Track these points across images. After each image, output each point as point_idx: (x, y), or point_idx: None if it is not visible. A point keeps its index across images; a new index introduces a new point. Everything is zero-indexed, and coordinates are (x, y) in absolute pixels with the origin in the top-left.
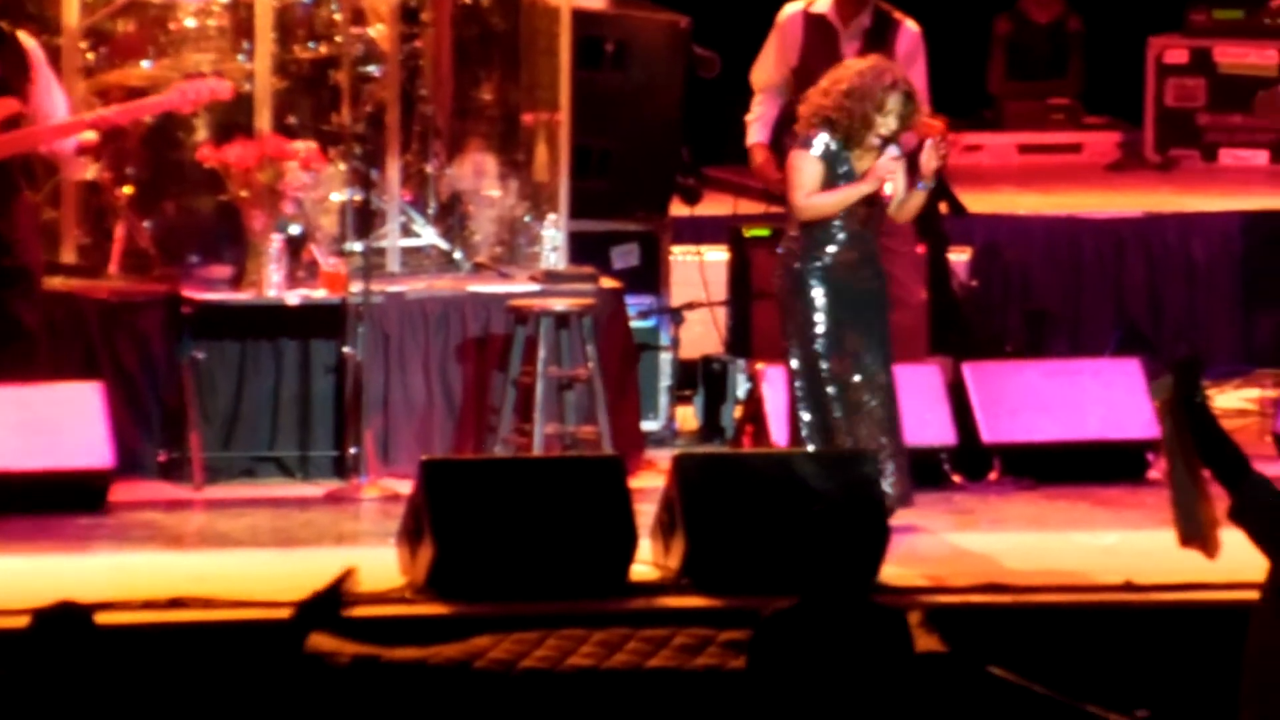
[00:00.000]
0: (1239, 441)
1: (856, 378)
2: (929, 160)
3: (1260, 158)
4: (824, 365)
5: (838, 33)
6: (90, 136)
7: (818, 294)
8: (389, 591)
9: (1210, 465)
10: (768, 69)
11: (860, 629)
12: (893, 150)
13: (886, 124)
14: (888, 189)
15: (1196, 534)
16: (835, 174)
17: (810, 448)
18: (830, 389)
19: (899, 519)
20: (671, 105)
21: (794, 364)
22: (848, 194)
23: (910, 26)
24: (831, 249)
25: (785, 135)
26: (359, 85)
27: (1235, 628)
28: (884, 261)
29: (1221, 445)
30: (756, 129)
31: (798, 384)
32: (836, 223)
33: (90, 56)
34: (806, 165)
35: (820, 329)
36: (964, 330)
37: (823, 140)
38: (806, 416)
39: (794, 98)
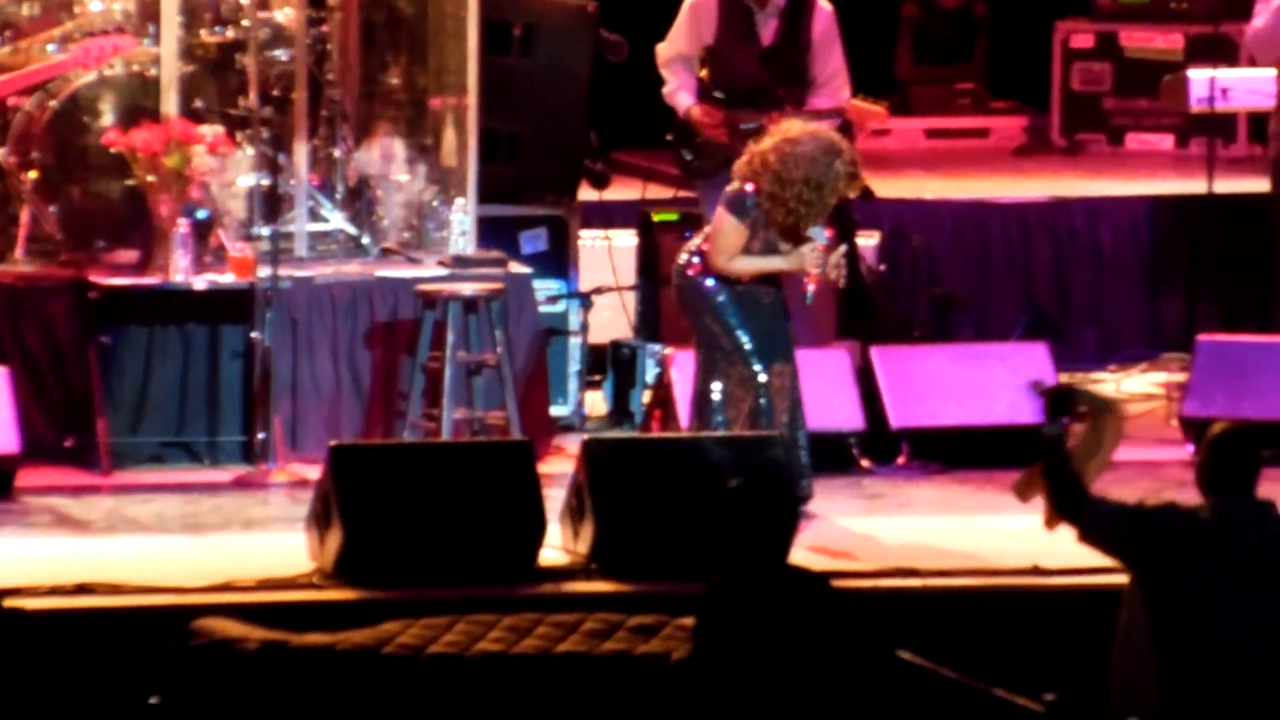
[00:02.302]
0: (1148, 424)
1: (765, 378)
2: (834, 269)
3: (1166, 142)
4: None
5: (752, 14)
6: None
7: (722, 299)
8: (298, 577)
9: (1054, 494)
10: (678, 43)
11: (789, 593)
12: (818, 239)
13: (826, 202)
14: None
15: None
16: (754, 236)
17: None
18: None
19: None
20: (579, 90)
21: (711, 358)
22: (766, 267)
23: (825, 5)
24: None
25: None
26: (266, 69)
27: None
28: None
29: (1066, 477)
30: (684, 95)
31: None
32: None
33: None
34: (733, 232)
35: (732, 329)
36: (872, 315)
37: (754, 210)
38: (718, 397)
39: (708, 73)
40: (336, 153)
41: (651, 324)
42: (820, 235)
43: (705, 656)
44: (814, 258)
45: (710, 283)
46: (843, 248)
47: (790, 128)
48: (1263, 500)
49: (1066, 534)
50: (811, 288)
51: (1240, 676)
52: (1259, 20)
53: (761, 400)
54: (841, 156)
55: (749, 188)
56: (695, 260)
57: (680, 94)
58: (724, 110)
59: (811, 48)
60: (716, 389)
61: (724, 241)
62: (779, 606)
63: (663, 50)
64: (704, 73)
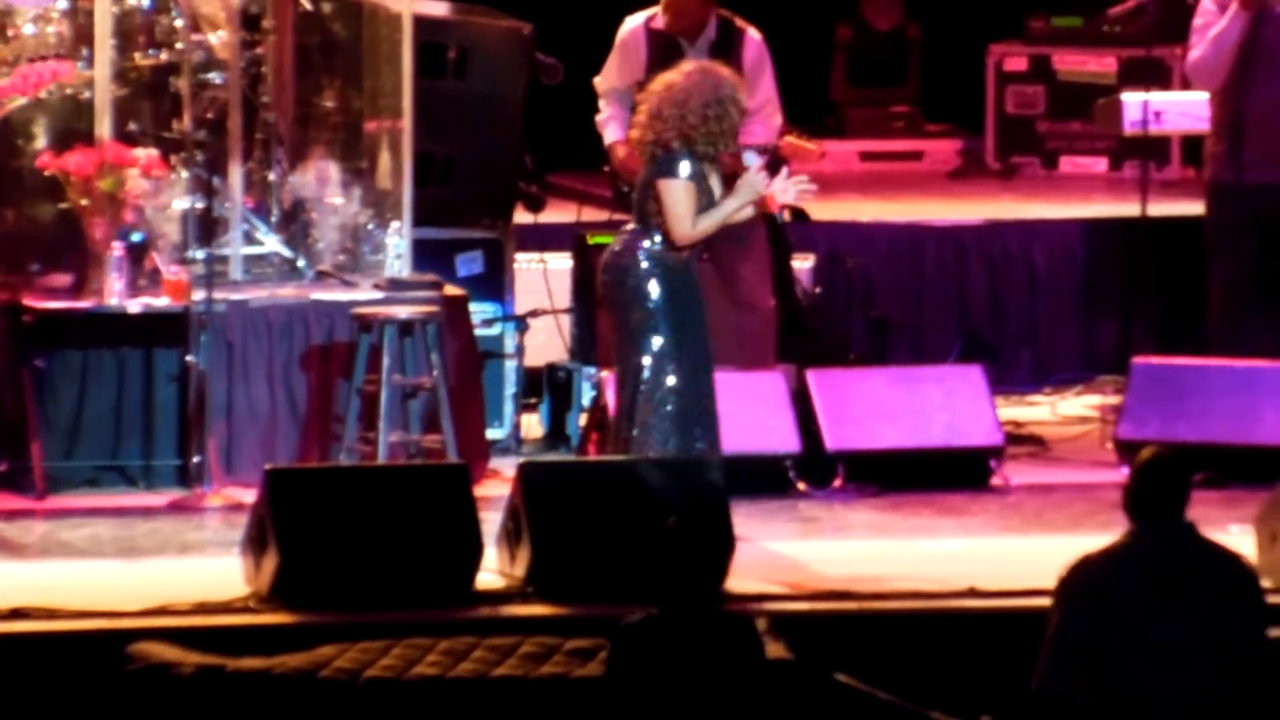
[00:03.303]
0: (1083, 447)
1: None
2: (784, 192)
3: (1100, 165)
4: (670, 367)
5: (682, 47)
6: None
7: (660, 296)
8: (233, 601)
9: None
10: (611, 78)
11: (712, 637)
12: (753, 160)
13: (738, 124)
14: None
15: None
16: (700, 193)
17: (653, 448)
18: (673, 389)
19: (741, 528)
20: (514, 112)
21: (641, 365)
22: (725, 211)
23: (754, 35)
24: (663, 247)
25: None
26: (200, 92)
27: None
28: (734, 264)
29: None
30: (613, 128)
31: (642, 387)
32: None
33: None
34: (681, 193)
35: (666, 330)
36: (808, 337)
37: (686, 164)
38: (652, 420)
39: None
40: (271, 176)
41: (587, 347)
42: (752, 158)
43: (619, 686)
44: (760, 178)
45: (645, 263)
46: (784, 170)
47: (655, 83)
48: (1185, 523)
49: (1000, 555)
50: (778, 209)
51: (1160, 699)
52: (1196, 51)
53: (668, 407)
54: (716, 71)
55: (663, 150)
56: (636, 243)
57: (610, 126)
58: None
59: (742, 76)
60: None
61: (679, 207)
62: (696, 649)
63: (599, 82)
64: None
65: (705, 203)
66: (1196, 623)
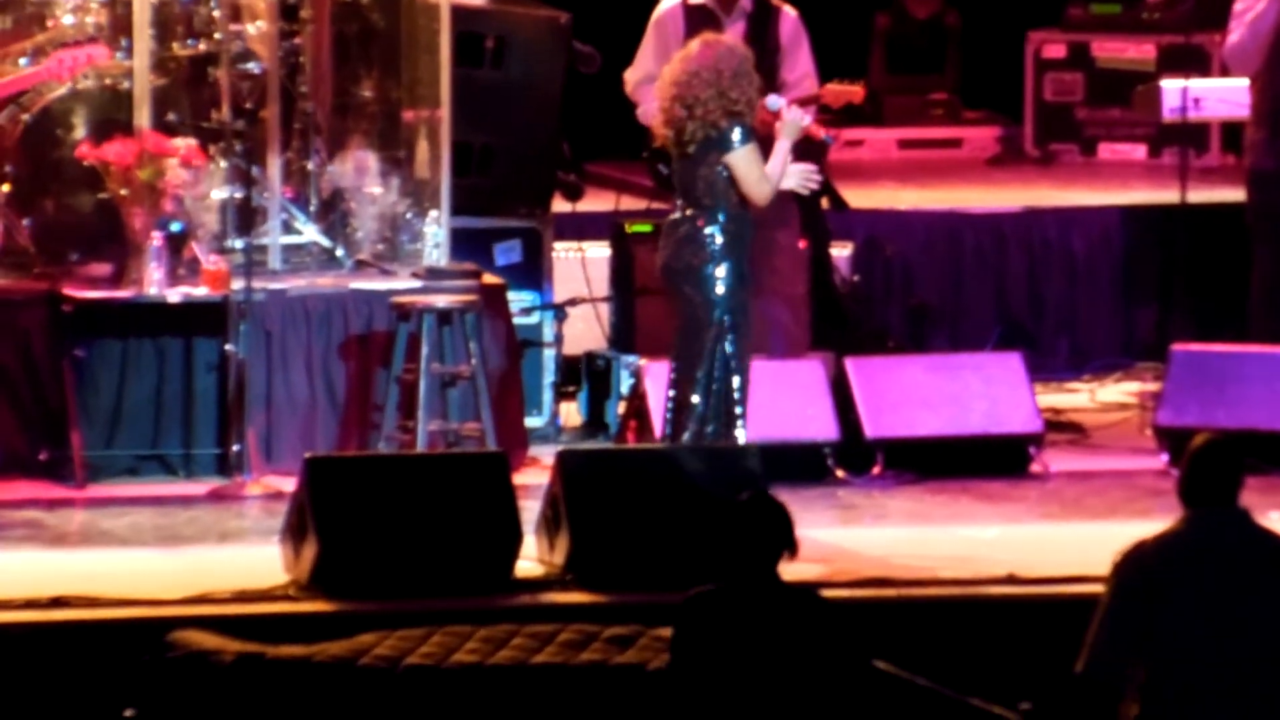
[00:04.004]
0: (1122, 434)
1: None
2: (789, 177)
3: (1139, 152)
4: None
5: (720, 20)
6: None
7: (729, 279)
8: (273, 589)
9: None
10: (645, 64)
11: (777, 608)
12: (774, 104)
13: (756, 78)
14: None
15: None
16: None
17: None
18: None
19: None
20: (552, 101)
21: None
22: (782, 157)
23: (789, 10)
24: (736, 227)
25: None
26: (239, 82)
27: None
28: (767, 253)
29: None
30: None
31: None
32: (736, 204)
33: None
34: (752, 157)
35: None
36: (846, 325)
37: (739, 131)
38: (701, 406)
39: None
40: (310, 165)
41: (626, 335)
42: (775, 101)
43: (682, 668)
44: (795, 112)
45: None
46: (776, 102)
47: (666, 74)
48: (1240, 509)
49: (1040, 542)
50: (821, 134)
51: (1210, 685)
52: (1234, 35)
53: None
54: (719, 40)
55: (714, 130)
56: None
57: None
58: None
59: (780, 51)
60: (697, 398)
61: (755, 170)
62: (763, 619)
63: (630, 75)
64: None
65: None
66: (1250, 609)
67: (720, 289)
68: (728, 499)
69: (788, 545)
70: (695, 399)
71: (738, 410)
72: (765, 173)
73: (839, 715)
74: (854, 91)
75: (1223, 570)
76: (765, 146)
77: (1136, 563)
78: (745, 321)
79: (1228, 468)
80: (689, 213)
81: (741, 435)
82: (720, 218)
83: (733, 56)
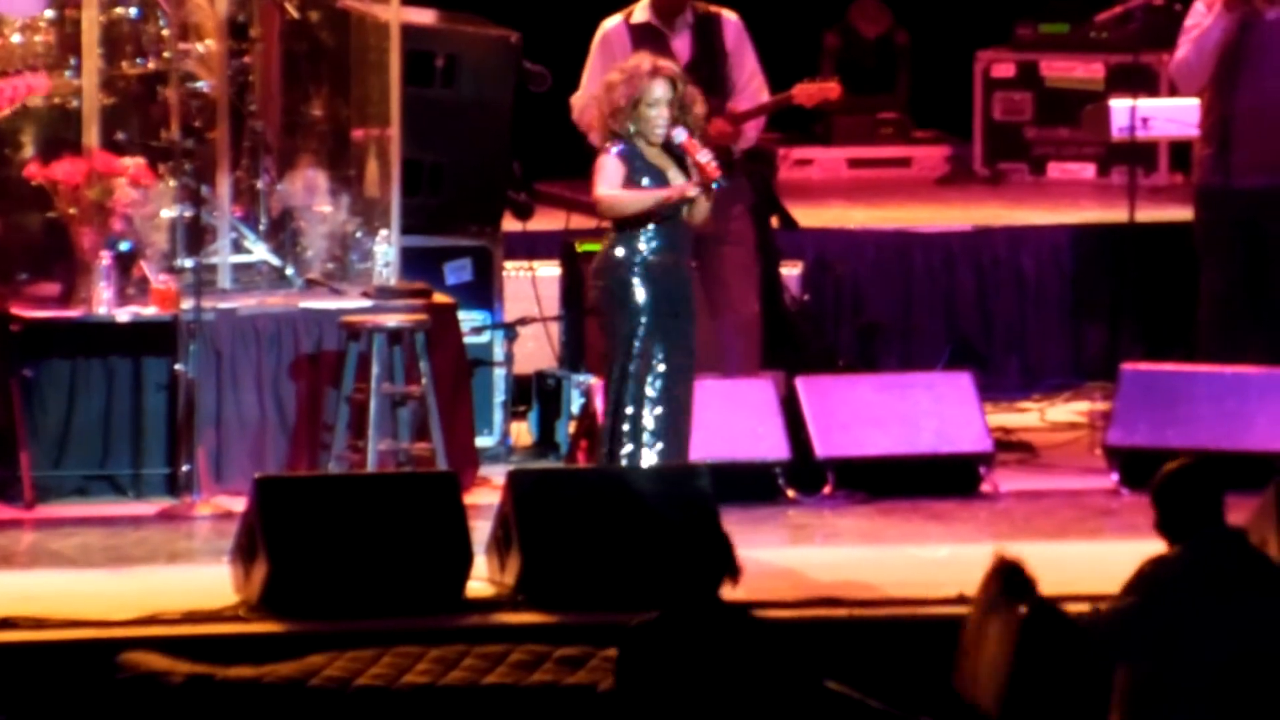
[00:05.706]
0: (1071, 453)
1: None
2: (707, 163)
3: (1088, 171)
4: (633, 370)
5: (665, 35)
6: None
7: (645, 299)
8: (223, 610)
9: None
10: (593, 86)
11: (717, 632)
12: (679, 138)
13: (660, 114)
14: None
15: None
16: (633, 174)
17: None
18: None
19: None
20: (502, 120)
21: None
22: (653, 193)
23: (730, 16)
24: (650, 248)
25: None
26: (188, 101)
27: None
28: (720, 272)
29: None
30: None
31: (624, 390)
32: (650, 226)
33: None
34: (607, 162)
35: (640, 334)
36: (796, 344)
37: (616, 146)
38: (626, 426)
39: None
40: (259, 184)
41: (576, 354)
42: (680, 135)
43: (628, 699)
44: (705, 155)
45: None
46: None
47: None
48: (1236, 530)
49: (990, 562)
50: (715, 177)
51: (1203, 695)
52: (1181, 51)
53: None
54: (644, 66)
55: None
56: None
57: None
58: None
59: (727, 56)
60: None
61: (600, 175)
62: (705, 645)
63: (577, 99)
64: None
65: (638, 177)
66: (1250, 629)
67: (620, 309)
68: (678, 519)
69: (729, 571)
70: (605, 419)
71: (644, 433)
72: (606, 189)
73: None
74: (829, 88)
75: (1225, 591)
76: (725, 159)
77: (1151, 574)
78: (653, 342)
79: (1207, 488)
80: (611, 232)
81: (650, 457)
82: (614, 236)
83: (621, 71)
